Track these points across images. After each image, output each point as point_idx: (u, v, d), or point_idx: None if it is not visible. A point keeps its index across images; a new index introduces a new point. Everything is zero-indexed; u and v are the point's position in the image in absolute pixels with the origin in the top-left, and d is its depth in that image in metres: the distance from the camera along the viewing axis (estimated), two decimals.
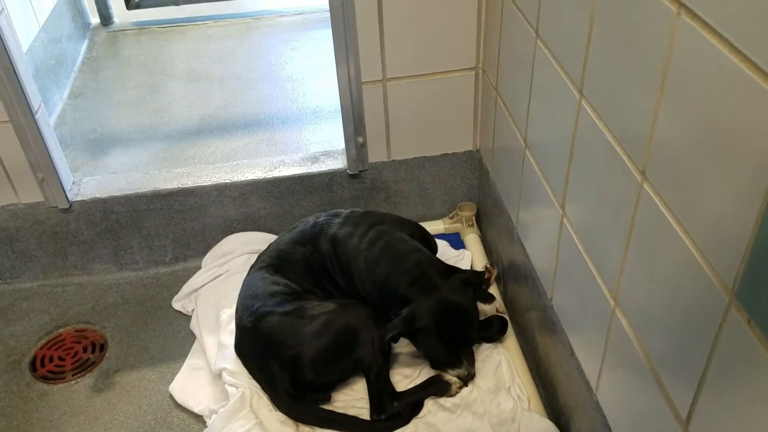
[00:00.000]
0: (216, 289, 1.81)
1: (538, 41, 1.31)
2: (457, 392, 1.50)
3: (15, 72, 1.62)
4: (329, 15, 1.63)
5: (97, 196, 1.85)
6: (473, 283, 1.53)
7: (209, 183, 1.87)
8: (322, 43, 2.62)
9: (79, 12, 2.77)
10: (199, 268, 1.92)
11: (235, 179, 1.87)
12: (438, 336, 1.44)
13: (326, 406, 1.51)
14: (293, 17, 2.90)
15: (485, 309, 1.66)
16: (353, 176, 1.90)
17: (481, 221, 1.99)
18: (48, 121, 1.78)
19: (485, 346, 1.60)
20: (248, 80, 2.49)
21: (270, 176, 1.88)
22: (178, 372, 1.66)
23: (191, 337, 1.76)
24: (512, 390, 1.50)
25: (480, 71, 1.76)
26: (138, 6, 2.78)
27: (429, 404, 1.49)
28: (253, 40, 2.76)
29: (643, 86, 0.91)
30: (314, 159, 1.93)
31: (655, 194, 0.92)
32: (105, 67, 2.62)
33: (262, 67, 2.56)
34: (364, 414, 1.49)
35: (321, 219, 1.68)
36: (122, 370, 1.70)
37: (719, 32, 0.73)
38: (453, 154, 1.91)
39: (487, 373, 1.53)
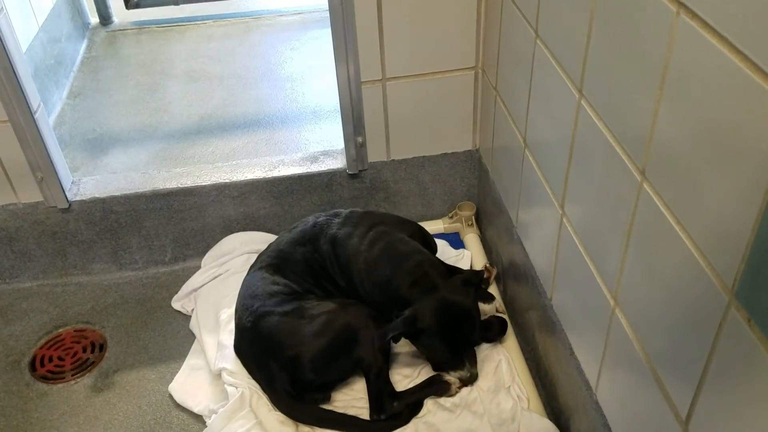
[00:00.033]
0: (215, 289, 1.81)
1: (538, 41, 1.31)
2: (456, 392, 1.50)
3: (14, 72, 1.62)
4: (329, 14, 1.62)
5: (97, 195, 1.85)
6: (474, 283, 1.53)
7: (209, 183, 1.86)
8: (322, 42, 2.62)
9: (78, 12, 2.77)
10: (198, 267, 1.92)
11: (235, 179, 1.87)
12: (440, 336, 1.44)
13: (326, 406, 1.51)
14: (293, 17, 2.90)
15: (485, 309, 1.66)
16: (353, 176, 1.90)
17: (480, 221, 1.99)
18: (47, 120, 1.78)
19: (485, 346, 1.60)
20: (248, 80, 2.48)
21: (269, 176, 1.88)
22: (177, 372, 1.66)
23: (191, 337, 1.76)
24: (512, 390, 1.50)
25: (479, 71, 1.76)
26: (137, 5, 2.78)
27: (429, 404, 1.49)
28: (252, 39, 2.76)
29: (643, 86, 0.91)
30: (314, 159, 1.93)
31: (654, 194, 0.92)
32: (104, 66, 2.61)
33: (261, 67, 2.56)
34: (364, 414, 1.49)
35: (321, 219, 1.68)
36: (122, 370, 1.70)
37: (719, 32, 0.73)
38: (452, 153, 1.91)
39: (486, 373, 1.53)
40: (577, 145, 1.18)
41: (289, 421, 1.47)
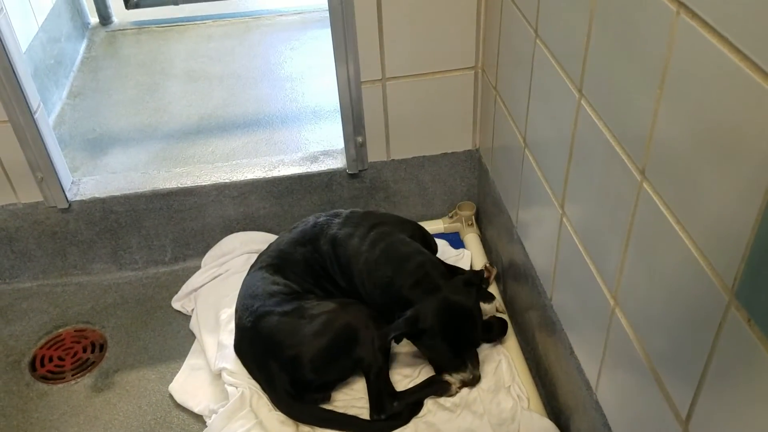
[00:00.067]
0: (215, 289, 1.81)
1: (538, 40, 1.31)
2: (456, 392, 1.50)
3: (14, 72, 1.62)
4: (328, 14, 1.62)
5: (97, 195, 1.85)
6: (475, 283, 1.53)
7: (208, 183, 1.86)
8: (322, 42, 2.62)
9: (78, 11, 2.77)
10: (198, 267, 1.92)
11: (235, 179, 1.87)
12: (442, 336, 1.44)
13: (326, 406, 1.51)
14: (292, 16, 2.90)
15: (485, 308, 1.66)
16: (353, 176, 1.90)
17: (480, 220, 1.99)
18: (47, 120, 1.78)
19: (485, 345, 1.60)
20: (247, 80, 2.48)
21: (269, 176, 1.88)
22: (177, 372, 1.66)
23: (191, 337, 1.76)
24: (512, 389, 1.50)
25: (479, 71, 1.76)
26: (137, 5, 2.78)
27: (429, 404, 1.49)
28: (252, 39, 2.76)
29: (643, 85, 0.91)
30: (314, 158, 1.93)
31: (654, 194, 0.92)
32: (104, 66, 2.61)
33: (261, 67, 2.56)
34: (364, 414, 1.49)
35: (321, 219, 1.68)
36: (122, 370, 1.70)
37: (719, 31, 0.73)
38: (452, 153, 1.91)
39: (486, 373, 1.53)
40: (577, 144, 1.18)
41: (290, 421, 1.48)
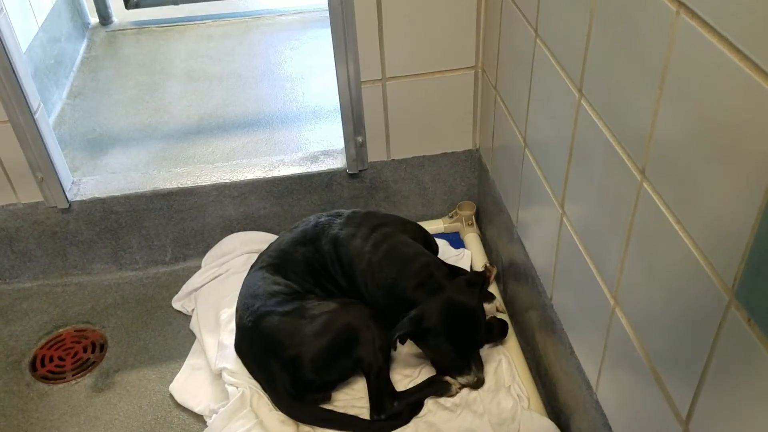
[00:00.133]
0: (216, 289, 1.81)
1: (538, 40, 1.31)
2: (457, 392, 1.50)
3: (14, 72, 1.62)
4: (328, 14, 1.62)
5: (97, 195, 1.85)
6: (478, 283, 1.53)
7: (209, 183, 1.86)
8: (322, 42, 2.62)
9: (78, 11, 2.77)
10: (198, 267, 1.92)
11: (235, 179, 1.87)
12: (446, 336, 1.44)
13: (326, 406, 1.51)
14: (292, 16, 2.90)
15: (486, 308, 1.66)
16: (353, 176, 1.90)
17: (480, 220, 1.99)
18: (47, 120, 1.78)
19: (485, 345, 1.60)
20: (247, 79, 2.48)
21: (269, 176, 1.88)
22: (178, 372, 1.66)
23: (191, 337, 1.76)
24: (512, 389, 1.50)
25: (479, 70, 1.76)
26: (137, 5, 2.78)
27: (429, 404, 1.49)
28: (252, 39, 2.76)
29: (643, 85, 0.91)
30: (314, 158, 1.93)
31: (654, 193, 0.92)
32: (104, 66, 2.61)
33: (261, 67, 2.56)
34: (364, 413, 1.49)
35: (322, 219, 1.67)
36: (122, 370, 1.70)
37: (719, 31, 0.73)
38: (452, 153, 1.91)
39: (487, 373, 1.53)
40: (576, 144, 1.18)
41: (290, 421, 1.48)
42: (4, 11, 1.62)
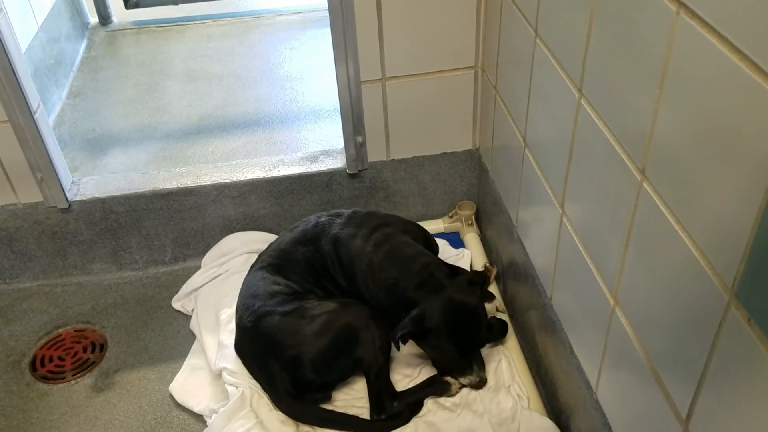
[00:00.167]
0: (216, 289, 1.81)
1: (538, 40, 1.31)
2: (457, 392, 1.50)
3: (14, 72, 1.62)
4: (328, 14, 1.62)
5: (97, 195, 1.85)
6: (479, 282, 1.53)
7: (208, 182, 1.86)
8: (321, 42, 2.62)
9: (77, 11, 2.77)
10: (198, 267, 1.92)
11: (235, 179, 1.87)
12: (448, 335, 1.44)
13: (326, 406, 1.51)
14: (292, 16, 2.90)
15: (486, 307, 1.66)
16: (352, 176, 1.90)
17: (480, 220, 1.99)
18: (47, 120, 1.78)
19: (485, 345, 1.60)
20: (247, 79, 2.48)
21: (269, 176, 1.88)
22: (178, 372, 1.66)
23: (191, 337, 1.76)
24: (512, 389, 1.50)
25: (479, 70, 1.76)
26: (136, 5, 2.78)
27: (429, 403, 1.49)
28: (252, 39, 2.76)
29: (643, 85, 0.91)
30: (313, 158, 1.93)
31: (654, 193, 0.92)
32: (104, 66, 2.61)
33: (261, 66, 2.56)
34: (364, 413, 1.49)
35: (323, 219, 1.67)
36: (122, 370, 1.70)
37: (719, 31, 0.73)
38: (452, 153, 1.91)
39: (487, 372, 1.53)
40: (576, 144, 1.18)
41: (290, 421, 1.48)
42: (4, 11, 1.62)
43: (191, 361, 1.69)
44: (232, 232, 1.94)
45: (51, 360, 1.73)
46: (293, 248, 1.65)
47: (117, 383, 1.66)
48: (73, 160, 2.08)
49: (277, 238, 1.74)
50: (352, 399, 1.52)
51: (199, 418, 1.56)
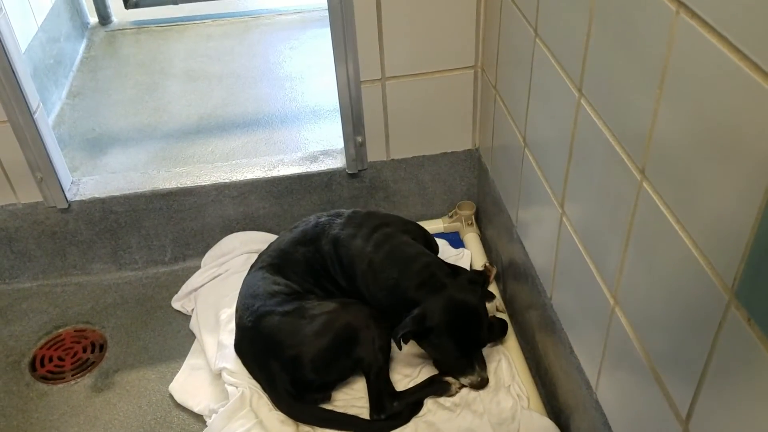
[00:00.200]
0: (215, 289, 1.81)
1: (537, 40, 1.31)
2: (456, 392, 1.50)
3: (13, 72, 1.62)
4: (328, 14, 1.62)
5: (96, 195, 1.85)
6: (479, 281, 1.53)
7: (208, 182, 1.86)
8: (321, 41, 2.62)
9: (77, 11, 2.77)
10: (198, 267, 1.92)
11: (234, 179, 1.87)
12: (449, 334, 1.44)
13: (326, 406, 1.51)
14: (292, 16, 2.90)
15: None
16: (352, 175, 1.90)
17: (480, 220, 1.99)
18: (46, 120, 1.78)
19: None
20: (247, 79, 2.48)
21: (269, 176, 1.88)
22: (177, 372, 1.66)
23: (191, 337, 1.76)
24: (512, 389, 1.50)
25: (479, 70, 1.76)
26: (136, 5, 2.78)
27: (429, 403, 1.49)
28: (251, 39, 2.76)
29: (643, 85, 0.91)
30: (313, 158, 1.93)
31: (654, 193, 0.92)
32: (103, 66, 2.61)
33: (260, 66, 2.56)
34: (364, 413, 1.49)
35: (323, 219, 1.67)
36: (122, 370, 1.70)
37: (718, 31, 0.73)
38: (452, 153, 1.91)
39: (488, 372, 1.53)
40: (576, 144, 1.18)
41: (290, 421, 1.48)
42: (4, 11, 1.62)
43: (191, 361, 1.69)
44: (231, 232, 1.94)
45: (51, 360, 1.73)
46: (293, 248, 1.65)
47: (117, 383, 1.66)
48: (72, 160, 2.08)
49: (277, 238, 1.74)
50: (352, 399, 1.52)
51: (199, 418, 1.56)
